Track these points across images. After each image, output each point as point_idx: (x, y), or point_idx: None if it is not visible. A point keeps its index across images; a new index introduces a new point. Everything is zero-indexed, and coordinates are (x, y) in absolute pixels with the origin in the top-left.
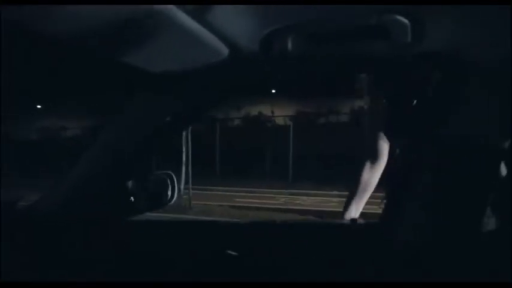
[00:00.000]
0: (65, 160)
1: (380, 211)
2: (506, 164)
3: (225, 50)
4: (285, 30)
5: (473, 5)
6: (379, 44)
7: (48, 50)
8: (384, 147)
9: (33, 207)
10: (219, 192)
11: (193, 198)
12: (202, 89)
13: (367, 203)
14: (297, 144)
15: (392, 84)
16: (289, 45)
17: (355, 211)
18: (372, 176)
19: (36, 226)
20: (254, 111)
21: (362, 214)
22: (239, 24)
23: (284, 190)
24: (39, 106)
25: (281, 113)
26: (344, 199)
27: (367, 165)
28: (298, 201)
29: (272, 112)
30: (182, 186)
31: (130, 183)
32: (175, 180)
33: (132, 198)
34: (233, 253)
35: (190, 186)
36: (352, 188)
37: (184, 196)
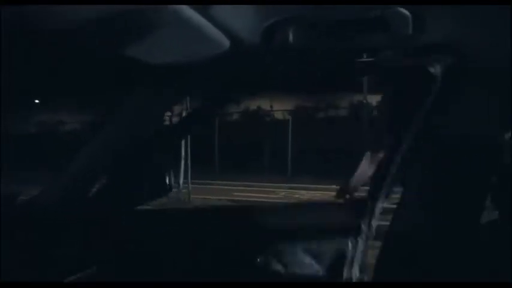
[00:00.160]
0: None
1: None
2: (506, 161)
3: (226, 43)
4: (286, 23)
5: (473, 5)
6: (379, 36)
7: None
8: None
9: (33, 202)
10: (218, 187)
11: (192, 193)
12: (204, 81)
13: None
14: (296, 138)
15: (393, 78)
16: (290, 37)
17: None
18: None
19: (35, 221)
20: (253, 105)
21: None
22: (240, 17)
23: (283, 184)
24: (36, 101)
25: (280, 107)
26: None
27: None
28: (297, 195)
29: (271, 106)
30: (181, 181)
31: (129, 176)
32: (171, 172)
33: (131, 190)
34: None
35: (190, 180)
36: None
37: (184, 190)
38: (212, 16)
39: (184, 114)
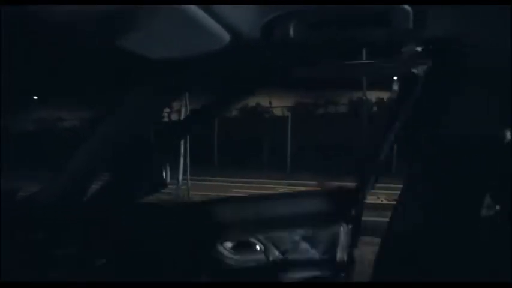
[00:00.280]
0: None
1: (378, 202)
2: (506, 161)
3: (226, 37)
4: (287, 17)
5: (474, 5)
6: (379, 31)
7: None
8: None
9: (32, 198)
10: (217, 183)
11: (191, 189)
12: (204, 76)
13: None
14: (296, 135)
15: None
16: (291, 31)
17: None
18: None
19: (35, 217)
20: (252, 101)
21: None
22: (240, 11)
23: (282, 181)
24: (35, 97)
25: (279, 104)
26: None
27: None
28: None
29: (270, 103)
30: (180, 178)
31: (128, 173)
32: (171, 168)
33: (129, 186)
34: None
35: (189, 177)
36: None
37: (183, 187)
38: (212, 10)
39: (183, 110)
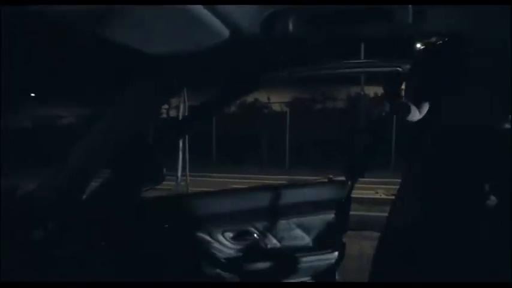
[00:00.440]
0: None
1: (377, 196)
2: (507, 158)
3: (226, 32)
4: (286, 12)
5: (474, 5)
6: (380, 26)
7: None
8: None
9: (31, 195)
10: (216, 179)
11: (190, 185)
12: (204, 71)
13: (364, 188)
14: (294, 131)
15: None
16: (291, 26)
17: None
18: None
19: (33, 215)
20: (250, 97)
21: (362, 200)
22: (241, 6)
23: (281, 176)
24: (33, 95)
25: (277, 99)
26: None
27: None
28: None
29: (268, 98)
30: (180, 174)
31: (127, 169)
32: (170, 164)
33: (128, 182)
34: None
35: (188, 173)
36: None
37: (182, 183)
38: (213, 5)
39: (181, 107)
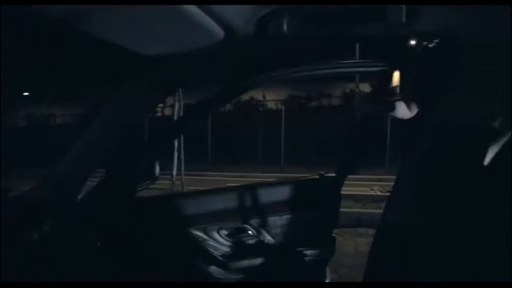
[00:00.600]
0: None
1: (372, 193)
2: (506, 156)
3: (220, 32)
4: (282, 12)
5: (474, 5)
6: (374, 25)
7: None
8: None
9: (28, 194)
10: (212, 178)
11: (185, 184)
12: (198, 72)
13: (360, 186)
14: (289, 128)
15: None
16: (285, 26)
17: None
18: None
19: (31, 213)
20: (245, 95)
21: (357, 197)
22: (235, 5)
23: (276, 174)
24: (26, 93)
25: (272, 97)
26: None
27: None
28: None
29: (263, 96)
30: (175, 173)
31: (121, 168)
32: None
33: (123, 182)
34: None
35: (183, 171)
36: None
37: (177, 182)
38: (207, 5)
39: (177, 106)
